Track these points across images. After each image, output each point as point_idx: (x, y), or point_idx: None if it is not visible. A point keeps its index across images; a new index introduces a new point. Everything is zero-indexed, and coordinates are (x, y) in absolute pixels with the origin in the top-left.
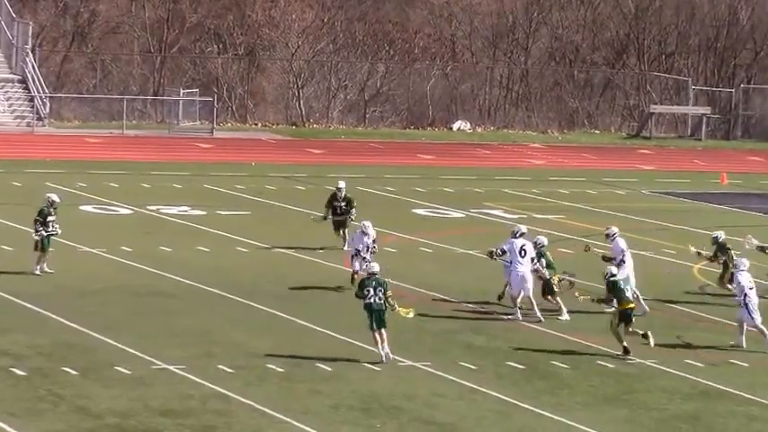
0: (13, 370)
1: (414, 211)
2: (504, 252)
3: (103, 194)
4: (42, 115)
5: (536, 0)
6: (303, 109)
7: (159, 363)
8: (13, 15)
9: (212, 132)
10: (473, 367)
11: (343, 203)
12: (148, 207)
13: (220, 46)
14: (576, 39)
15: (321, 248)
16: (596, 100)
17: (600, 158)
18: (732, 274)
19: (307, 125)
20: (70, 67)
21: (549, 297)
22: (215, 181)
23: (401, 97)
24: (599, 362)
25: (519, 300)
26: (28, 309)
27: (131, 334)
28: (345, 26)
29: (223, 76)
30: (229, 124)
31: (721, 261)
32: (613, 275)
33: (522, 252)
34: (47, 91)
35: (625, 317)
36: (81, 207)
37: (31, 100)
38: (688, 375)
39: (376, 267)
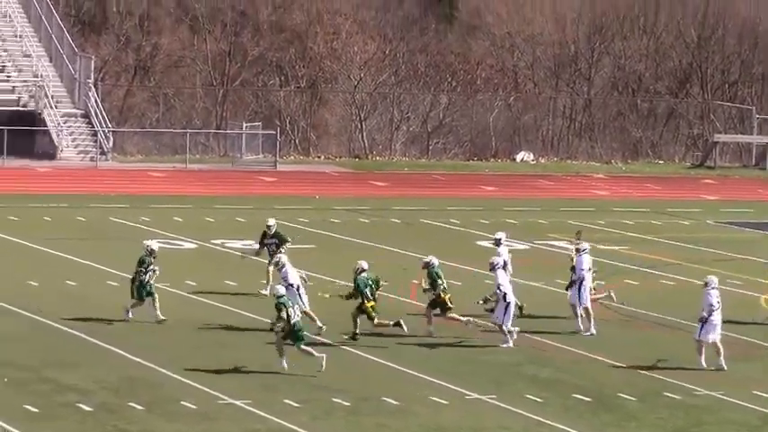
0: (80, 405)
1: (477, 243)
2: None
3: (167, 228)
4: (106, 150)
5: (598, 30)
6: (366, 141)
7: (225, 397)
8: (76, 50)
9: (275, 165)
10: (539, 400)
11: (273, 241)
12: (212, 241)
13: (282, 78)
14: (638, 68)
15: (386, 281)
16: (660, 130)
17: (664, 189)
18: None
19: (370, 157)
20: (133, 101)
21: (438, 315)
22: (279, 214)
23: (464, 129)
24: (666, 393)
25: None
26: (93, 344)
27: (196, 368)
28: (407, 58)
29: (286, 108)
30: (292, 157)
31: None
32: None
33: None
34: (110, 125)
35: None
36: (145, 241)
37: (95, 134)
38: (756, 407)
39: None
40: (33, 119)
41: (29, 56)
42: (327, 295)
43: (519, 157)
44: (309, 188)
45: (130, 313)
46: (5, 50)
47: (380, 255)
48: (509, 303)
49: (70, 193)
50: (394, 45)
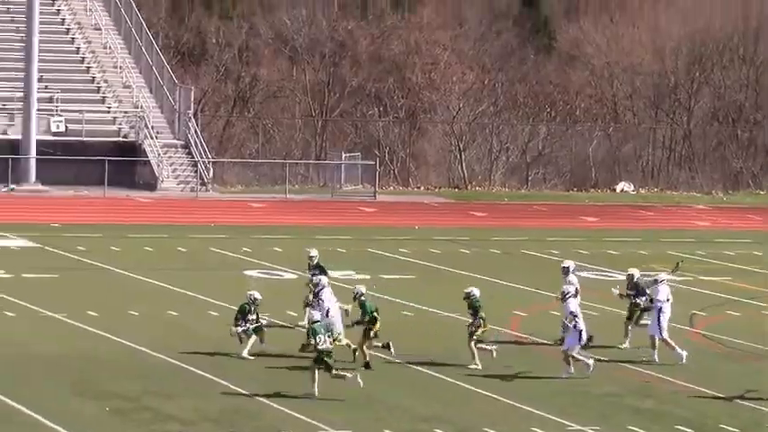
0: None
1: (577, 273)
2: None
3: (268, 259)
4: (206, 180)
5: (697, 59)
6: (465, 171)
7: (326, 427)
8: (176, 81)
9: (375, 196)
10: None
11: (315, 272)
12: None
13: (381, 109)
14: (738, 98)
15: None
16: (760, 160)
17: (766, 219)
18: None
19: (469, 188)
20: (232, 132)
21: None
22: (378, 245)
23: (563, 159)
24: None
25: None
26: (194, 373)
27: (297, 397)
28: (506, 88)
29: (385, 139)
30: (392, 187)
31: None
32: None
33: None
34: (210, 156)
35: None
36: (245, 272)
37: (195, 165)
38: None
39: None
40: (134, 149)
41: (129, 87)
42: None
43: (619, 187)
44: (409, 218)
45: (246, 353)
46: (106, 81)
47: (480, 285)
48: (581, 331)
49: (171, 223)
50: (493, 75)
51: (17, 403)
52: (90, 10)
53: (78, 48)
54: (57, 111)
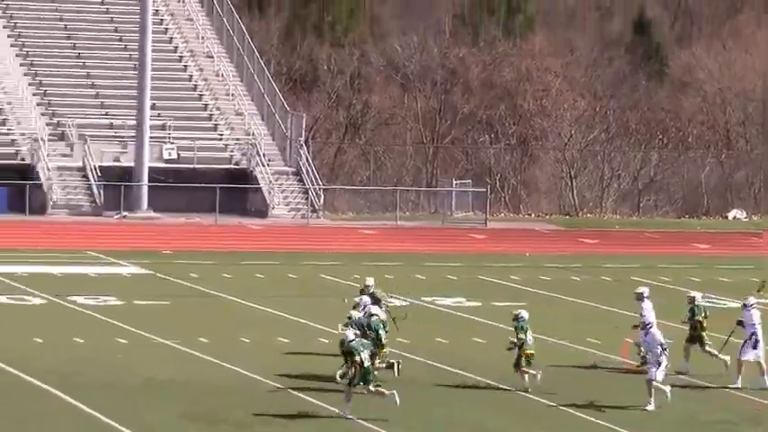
0: None
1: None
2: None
3: (378, 286)
4: (317, 207)
5: None
6: (576, 198)
7: None
8: (287, 108)
9: (486, 223)
10: None
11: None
12: (423, 298)
13: (492, 136)
14: None
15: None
16: None
17: None
18: None
19: (580, 214)
20: (344, 159)
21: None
22: (489, 272)
23: (675, 186)
24: None
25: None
26: (304, 400)
27: (404, 424)
28: (618, 114)
29: (495, 165)
30: (503, 214)
31: None
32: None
33: None
34: (321, 183)
35: None
36: (355, 299)
37: (306, 192)
38: None
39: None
40: (245, 177)
41: (241, 114)
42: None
43: (731, 214)
44: (519, 245)
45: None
46: (218, 109)
47: (591, 312)
48: (661, 362)
49: (282, 250)
50: (604, 102)
51: (130, 430)
52: (202, 38)
53: (191, 75)
54: (169, 138)
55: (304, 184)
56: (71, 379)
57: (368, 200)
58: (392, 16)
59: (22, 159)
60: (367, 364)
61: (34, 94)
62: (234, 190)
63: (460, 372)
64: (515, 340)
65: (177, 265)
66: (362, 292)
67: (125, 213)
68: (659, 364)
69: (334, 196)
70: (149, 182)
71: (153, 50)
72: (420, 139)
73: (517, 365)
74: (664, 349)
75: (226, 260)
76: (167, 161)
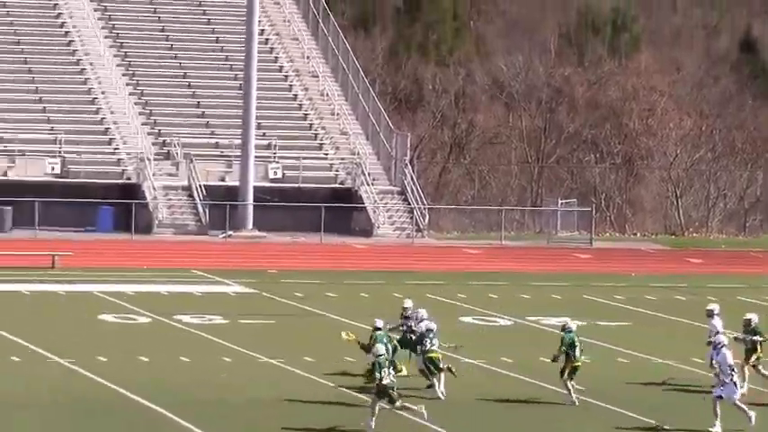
0: None
1: None
2: None
3: (483, 305)
4: (421, 226)
5: None
6: (682, 218)
7: None
8: (392, 127)
9: (591, 242)
10: None
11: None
12: (528, 318)
13: (598, 155)
14: None
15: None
16: None
17: None
18: None
19: (686, 234)
20: (448, 178)
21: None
22: (594, 291)
23: None
24: None
25: None
26: (408, 419)
27: None
28: (724, 134)
29: (601, 185)
30: (608, 234)
31: None
32: None
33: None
34: (426, 202)
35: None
36: (461, 318)
37: (411, 211)
38: None
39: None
40: (350, 196)
41: (346, 134)
42: (348, 338)
43: None
44: (625, 265)
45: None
46: (323, 128)
47: (695, 332)
48: (735, 383)
49: (386, 269)
50: (710, 121)
51: None
52: (308, 57)
53: (296, 95)
54: (274, 157)
55: (409, 204)
56: (177, 398)
57: (473, 219)
58: (497, 35)
59: (128, 178)
60: (386, 381)
61: (140, 114)
62: (338, 209)
63: (565, 390)
64: (558, 353)
65: (282, 285)
66: (402, 315)
67: (230, 232)
68: (727, 384)
69: (438, 216)
70: (254, 201)
71: (258, 70)
72: (525, 159)
73: (563, 376)
74: (732, 370)
75: (330, 279)
76: (272, 180)
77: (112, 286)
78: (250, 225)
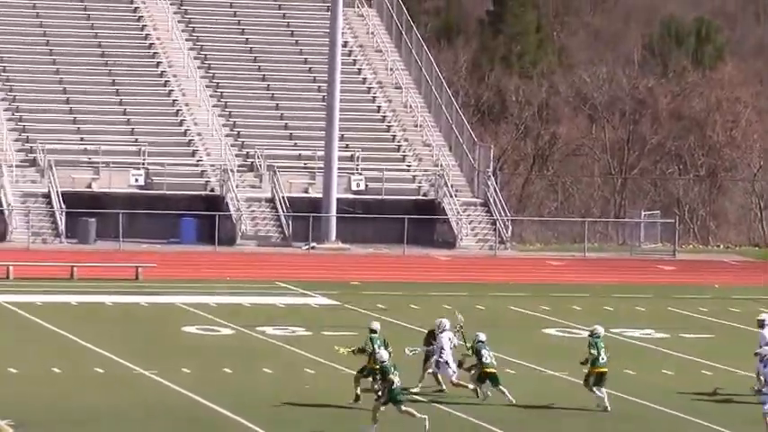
0: None
1: None
2: None
3: (566, 317)
4: (504, 238)
5: None
6: (766, 230)
7: None
8: (475, 139)
9: (674, 254)
10: None
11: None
12: (611, 330)
13: (681, 167)
14: None
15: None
16: None
17: None
18: None
19: None
20: (531, 190)
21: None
22: (678, 303)
23: None
24: None
25: None
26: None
27: None
28: None
29: (684, 197)
30: (691, 246)
31: None
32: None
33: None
34: (509, 214)
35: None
36: (544, 330)
37: (494, 223)
38: None
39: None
40: (433, 208)
41: (429, 145)
42: (343, 351)
43: None
44: (708, 277)
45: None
46: (406, 140)
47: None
48: None
49: (469, 281)
50: None
51: None
52: (391, 69)
53: (379, 107)
54: (357, 169)
55: (492, 215)
56: (260, 410)
57: (555, 231)
58: (580, 47)
59: (212, 190)
60: (396, 385)
61: (224, 126)
62: (421, 221)
63: (650, 404)
64: (588, 356)
65: (365, 296)
66: (431, 334)
67: (313, 244)
68: None
69: (521, 227)
70: (337, 213)
71: (342, 82)
72: (608, 170)
73: (588, 383)
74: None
75: (413, 291)
76: (355, 192)
77: (196, 298)
78: (333, 237)
